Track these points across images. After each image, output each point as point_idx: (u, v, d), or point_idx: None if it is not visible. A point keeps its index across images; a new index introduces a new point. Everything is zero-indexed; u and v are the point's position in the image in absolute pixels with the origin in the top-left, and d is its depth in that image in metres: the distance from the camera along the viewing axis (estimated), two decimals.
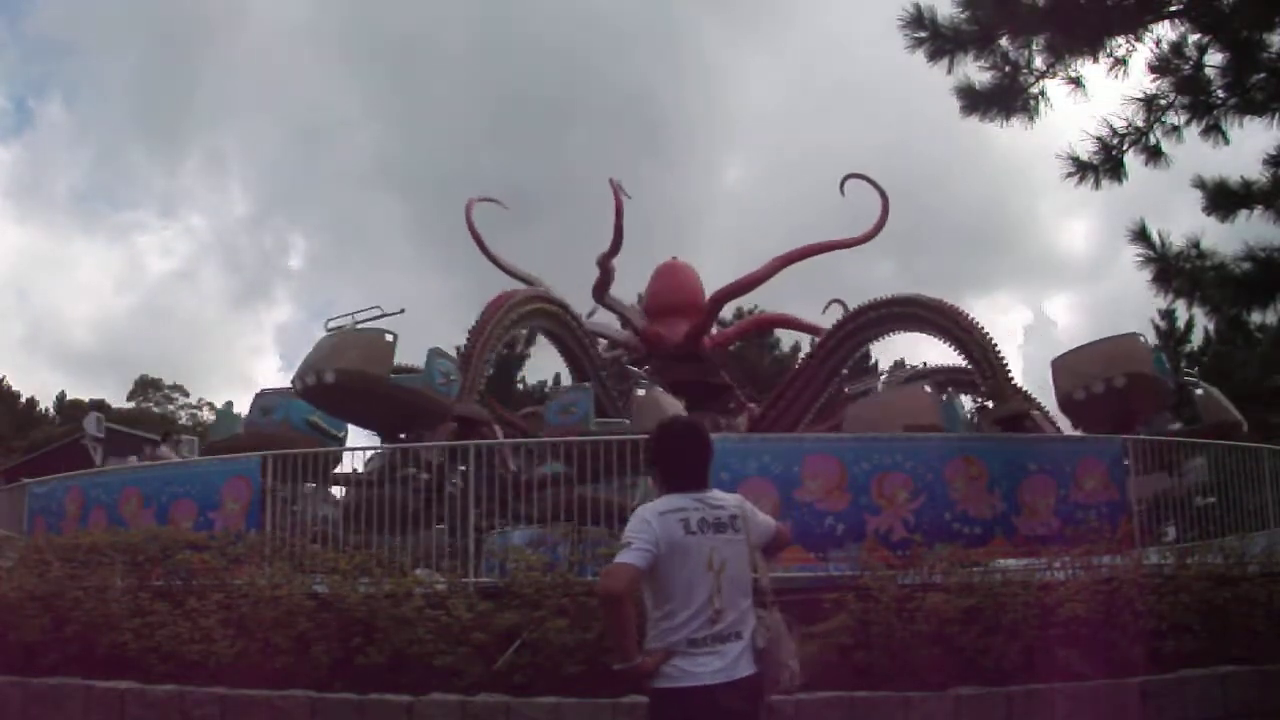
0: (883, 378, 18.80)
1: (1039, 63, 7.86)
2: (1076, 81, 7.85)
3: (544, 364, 35.95)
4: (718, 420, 14.40)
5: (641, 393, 12.31)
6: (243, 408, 13.91)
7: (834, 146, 72.92)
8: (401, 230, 74.21)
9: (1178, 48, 7.80)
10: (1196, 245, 7.87)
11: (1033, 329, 67.74)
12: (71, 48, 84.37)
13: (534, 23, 74.44)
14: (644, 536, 3.43)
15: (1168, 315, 27.66)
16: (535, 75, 72.33)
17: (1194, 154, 8.07)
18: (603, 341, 16.86)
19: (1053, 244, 68.51)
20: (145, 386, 49.46)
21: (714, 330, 17.36)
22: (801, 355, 31.60)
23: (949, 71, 7.85)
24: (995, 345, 12.94)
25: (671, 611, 3.45)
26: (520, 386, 30.34)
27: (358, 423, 11.58)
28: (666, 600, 3.47)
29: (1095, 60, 7.73)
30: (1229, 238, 8.02)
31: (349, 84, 79.19)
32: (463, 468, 9.39)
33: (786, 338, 31.20)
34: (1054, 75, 7.87)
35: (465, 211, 16.27)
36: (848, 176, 16.33)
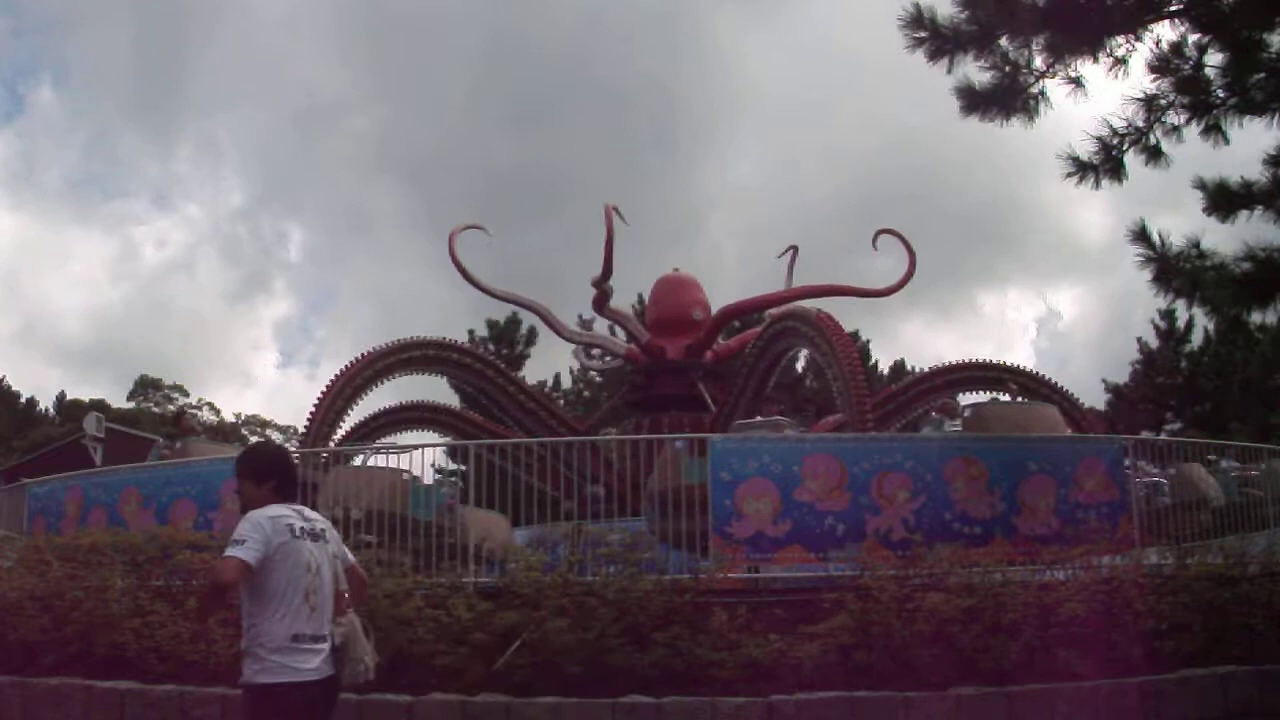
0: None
1: (1039, 63, 7.87)
2: (1076, 81, 7.86)
3: (543, 365, 36.06)
4: (701, 422, 14.51)
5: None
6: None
7: (844, 136, 72.43)
8: (403, 220, 73.72)
9: (1178, 48, 7.80)
10: (1196, 245, 7.88)
11: (1044, 322, 67.68)
12: (62, 25, 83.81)
13: (540, 5, 73.92)
14: (256, 537, 3.79)
15: (1168, 315, 27.71)
16: (542, 60, 71.96)
17: (1197, 153, 8.08)
18: (596, 350, 17.02)
19: (1066, 235, 67.81)
20: (145, 386, 49.44)
21: (720, 341, 17.42)
22: (804, 355, 31.99)
23: (949, 71, 7.86)
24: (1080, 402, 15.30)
25: (276, 607, 3.81)
26: None
27: None
28: (271, 597, 3.82)
29: (1095, 60, 7.73)
30: (1229, 238, 8.03)
31: (348, 67, 78.77)
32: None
33: None
34: (1054, 75, 7.88)
35: (449, 243, 16.45)
36: (880, 232, 16.44)
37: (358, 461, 10.61)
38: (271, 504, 3.96)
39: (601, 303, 16.28)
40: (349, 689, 4.30)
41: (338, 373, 14.05)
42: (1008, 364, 16.65)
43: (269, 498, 4.00)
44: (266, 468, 4.12)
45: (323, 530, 4.05)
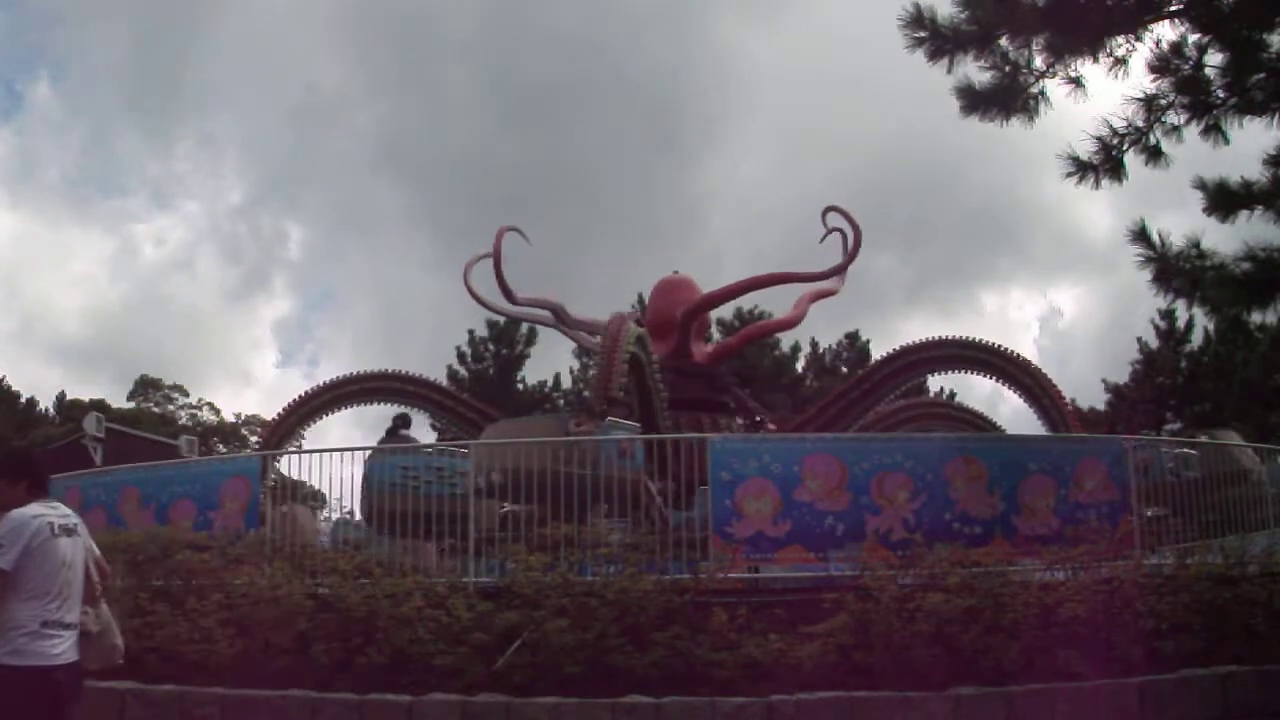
0: None
1: (1039, 63, 7.88)
2: (1076, 81, 7.87)
3: (543, 365, 36.06)
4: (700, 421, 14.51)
5: None
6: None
7: (847, 132, 71.73)
8: (403, 217, 73.18)
9: (1178, 48, 7.81)
10: (1196, 245, 7.89)
11: (1045, 320, 67.50)
12: (60, 20, 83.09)
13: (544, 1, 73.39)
14: (13, 541, 4.04)
15: (1168, 315, 27.69)
16: (545, 55, 71.00)
17: (1197, 153, 8.08)
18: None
19: (1069, 233, 67.28)
20: (145, 386, 49.39)
21: (716, 342, 17.42)
22: (803, 355, 32.10)
23: (949, 71, 7.88)
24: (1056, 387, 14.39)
25: (32, 599, 4.05)
26: (520, 387, 30.37)
27: None
28: (29, 591, 4.06)
29: (1095, 60, 7.74)
30: (1229, 238, 8.03)
31: (347, 62, 77.86)
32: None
33: (786, 339, 31.02)
34: (1054, 75, 7.89)
35: (464, 276, 16.71)
36: (828, 209, 16.57)
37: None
38: (30, 502, 4.20)
39: (560, 317, 16.33)
40: (109, 674, 4.72)
41: (284, 407, 15.28)
42: (979, 340, 15.19)
43: (24, 496, 4.22)
44: (19, 469, 4.35)
45: (75, 525, 4.33)
